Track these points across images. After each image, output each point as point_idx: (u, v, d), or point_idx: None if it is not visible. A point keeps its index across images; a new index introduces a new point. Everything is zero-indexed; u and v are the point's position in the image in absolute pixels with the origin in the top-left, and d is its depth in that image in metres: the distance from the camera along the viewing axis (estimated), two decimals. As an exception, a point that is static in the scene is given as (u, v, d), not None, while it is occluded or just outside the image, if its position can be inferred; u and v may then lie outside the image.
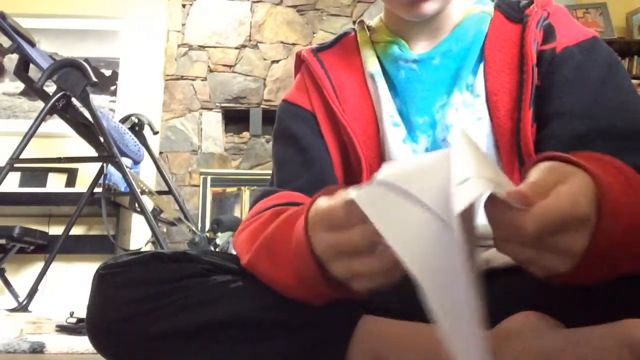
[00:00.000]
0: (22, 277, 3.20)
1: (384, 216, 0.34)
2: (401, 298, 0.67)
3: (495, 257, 0.67)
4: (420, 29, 0.81)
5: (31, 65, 2.31)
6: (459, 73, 0.76)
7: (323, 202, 0.48)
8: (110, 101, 3.70)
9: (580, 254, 0.42)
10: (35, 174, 3.33)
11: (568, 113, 0.68)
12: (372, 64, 0.82)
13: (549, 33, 0.74)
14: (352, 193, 0.37)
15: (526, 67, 0.71)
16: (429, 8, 0.75)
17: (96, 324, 0.63)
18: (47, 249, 3.06)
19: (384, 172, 0.36)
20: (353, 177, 0.78)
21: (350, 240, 0.43)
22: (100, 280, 0.64)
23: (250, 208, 0.75)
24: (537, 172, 0.43)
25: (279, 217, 0.60)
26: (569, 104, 0.68)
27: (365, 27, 0.88)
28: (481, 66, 0.76)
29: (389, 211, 0.34)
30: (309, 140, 0.80)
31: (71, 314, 1.94)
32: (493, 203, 0.38)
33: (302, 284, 0.53)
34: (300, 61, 0.88)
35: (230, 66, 3.79)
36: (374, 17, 0.91)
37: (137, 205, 2.28)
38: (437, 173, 0.34)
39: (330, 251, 0.46)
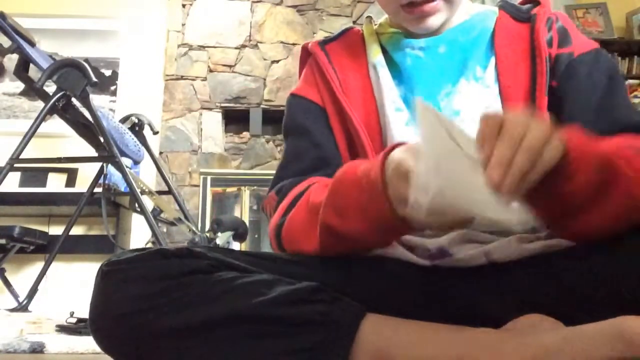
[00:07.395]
0: (22, 277, 3.19)
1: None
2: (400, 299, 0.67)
3: (495, 250, 0.67)
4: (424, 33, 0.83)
5: (31, 65, 2.31)
6: (466, 64, 0.79)
7: (397, 154, 0.56)
8: (110, 101, 3.70)
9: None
10: (35, 174, 3.33)
11: (575, 119, 0.71)
12: (375, 55, 0.84)
13: (564, 37, 0.78)
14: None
15: (539, 58, 0.75)
16: (434, 22, 0.78)
17: (100, 321, 0.62)
18: (47, 249, 3.05)
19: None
20: None
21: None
22: (104, 276, 0.63)
23: (280, 199, 0.76)
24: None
25: (329, 184, 0.65)
26: (578, 111, 0.73)
27: (372, 22, 0.90)
28: (492, 60, 0.78)
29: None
30: (322, 137, 0.82)
31: (71, 314, 1.93)
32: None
33: (374, 224, 0.60)
34: (306, 54, 0.89)
35: (230, 66, 3.79)
36: (375, 17, 0.92)
37: (137, 205, 2.28)
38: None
39: (402, 198, 0.54)
